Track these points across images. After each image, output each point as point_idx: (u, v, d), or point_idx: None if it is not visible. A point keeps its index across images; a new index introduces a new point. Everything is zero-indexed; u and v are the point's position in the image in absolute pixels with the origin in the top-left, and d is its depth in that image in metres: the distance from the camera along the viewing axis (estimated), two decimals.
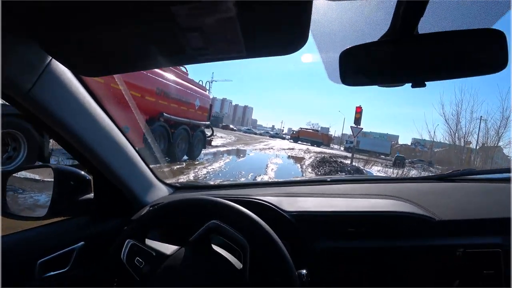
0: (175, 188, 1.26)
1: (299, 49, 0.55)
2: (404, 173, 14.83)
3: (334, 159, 16.33)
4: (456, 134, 18.09)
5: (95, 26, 0.53)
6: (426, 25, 0.60)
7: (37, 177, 1.04)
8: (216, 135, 25.00)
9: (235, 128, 61.68)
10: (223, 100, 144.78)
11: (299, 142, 43.10)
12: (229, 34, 0.51)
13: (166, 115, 7.73)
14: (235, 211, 0.76)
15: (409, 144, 74.53)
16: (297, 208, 1.00)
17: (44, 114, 0.74)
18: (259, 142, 27.47)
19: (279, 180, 1.34)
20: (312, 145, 40.71)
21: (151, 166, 1.15)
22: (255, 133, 56.19)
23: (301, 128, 51.90)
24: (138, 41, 0.58)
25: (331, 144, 55.35)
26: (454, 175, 1.29)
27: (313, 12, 0.46)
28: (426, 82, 0.63)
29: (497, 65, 0.58)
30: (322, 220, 0.99)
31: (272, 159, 13.60)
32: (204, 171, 7.96)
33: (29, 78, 0.66)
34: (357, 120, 13.66)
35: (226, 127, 58.06)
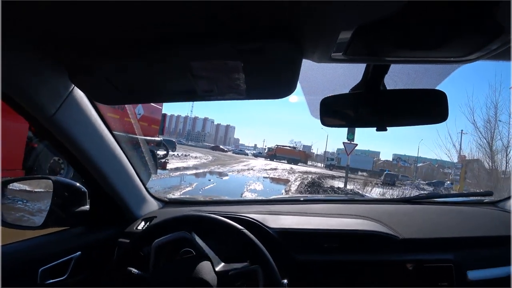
0: (164, 202, 1.35)
1: (289, 95, 0.72)
2: (404, 195, 11.37)
3: (323, 180, 15.12)
4: (494, 145, 12.48)
5: (123, 66, 0.63)
6: (390, 80, 0.76)
7: (35, 188, 1.09)
8: (189, 155, 23.04)
9: (225, 149, 60.09)
10: (205, 119, 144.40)
11: (275, 160, 41.02)
12: (233, 82, 0.65)
13: None
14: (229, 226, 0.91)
15: (391, 159, 75.23)
16: (280, 225, 1.11)
17: (63, 136, 0.83)
18: (239, 162, 25.12)
19: (263, 198, 1.46)
20: (290, 162, 39.15)
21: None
22: (246, 154, 55.76)
23: (277, 145, 49.12)
24: (157, 82, 0.70)
25: (309, 161, 53.14)
26: (419, 197, 1.47)
27: (301, 66, 0.61)
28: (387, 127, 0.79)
29: (440, 117, 0.75)
30: (302, 236, 1.10)
31: (250, 184, 11.55)
32: None
33: (54, 104, 0.75)
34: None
35: (216, 148, 55.80)
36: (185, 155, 22.41)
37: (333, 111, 0.83)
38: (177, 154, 21.16)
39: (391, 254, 1.07)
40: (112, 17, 0.50)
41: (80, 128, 0.87)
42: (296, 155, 47.31)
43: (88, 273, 1.00)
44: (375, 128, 0.80)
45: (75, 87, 0.80)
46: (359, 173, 37.07)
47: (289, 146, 51.46)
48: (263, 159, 41.81)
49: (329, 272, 1.06)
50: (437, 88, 0.76)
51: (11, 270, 0.80)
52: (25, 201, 1.09)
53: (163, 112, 8.57)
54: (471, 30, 0.49)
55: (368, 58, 0.63)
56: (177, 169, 12.67)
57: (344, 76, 0.89)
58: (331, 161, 47.09)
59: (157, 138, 8.04)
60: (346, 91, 0.79)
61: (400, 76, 0.84)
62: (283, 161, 41.19)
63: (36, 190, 1.07)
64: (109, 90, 0.73)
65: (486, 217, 1.24)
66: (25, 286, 0.84)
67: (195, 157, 22.72)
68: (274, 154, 45.46)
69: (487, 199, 1.43)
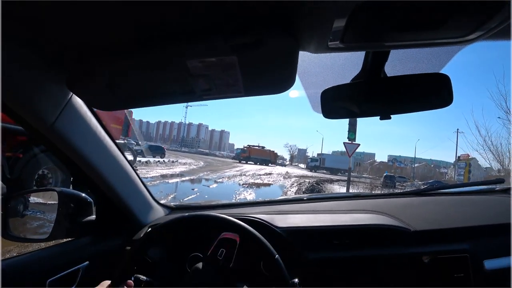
0: (170, 209, 1.34)
1: (288, 89, 0.71)
2: None
3: (322, 185, 14.77)
4: None
5: (117, 70, 0.63)
6: (391, 68, 0.75)
7: (40, 200, 1.08)
8: (177, 161, 21.61)
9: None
10: (199, 125, 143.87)
11: (249, 162, 39.43)
12: (230, 79, 0.65)
13: None
14: (228, 222, 0.90)
15: (386, 161, 75.95)
16: (288, 224, 1.09)
17: (64, 145, 0.82)
18: (231, 167, 23.98)
19: (270, 199, 1.44)
20: (259, 163, 38.09)
21: None
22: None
23: (249, 145, 46.84)
24: (155, 84, 0.69)
25: (277, 161, 51.67)
26: (429, 189, 1.45)
27: (299, 58, 0.60)
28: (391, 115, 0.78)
29: (444, 101, 0.74)
30: (311, 234, 1.08)
31: (241, 193, 10.30)
32: None
33: (53, 112, 0.75)
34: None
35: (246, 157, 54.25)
36: (173, 161, 21.82)
37: (334, 102, 0.82)
38: (163, 161, 20.67)
39: (403, 247, 1.06)
40: (105, 19, 0.51)
41: (80, 136, 0.86)
42: (266, 155, 46.02)
43: (96, 282, 0.98)
44: (379, 117, 0.78)
45: (73, 95, 0.80)
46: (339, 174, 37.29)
47: (258, 146, 49.29)
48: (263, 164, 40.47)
49: (341, 269, 1.05)
50: (441, 72, 0.75)
51: (19, 283, 0.79)
52: (30, 213, 1.08)
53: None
54: (469, 6, 0.47)
55: (366, 44, 0.61)
56: (159, 177, 12.01)
57: (344, 67, 0.89)
58: (315, 162, 45.85)
59: (119, 141, 6.95)
60: (347, 82, 0.78)
61: (401, 63, 0.83)
62: (250, 162, 39.81)
63: (42, 202, 1.06)
64: (106, 95, 0.72)
65: (500, 205, 1.22)
66: None
67: (184, 163, 21.75)
68: (248, 156, 43.20)
69: (498, 187, 1.41)
